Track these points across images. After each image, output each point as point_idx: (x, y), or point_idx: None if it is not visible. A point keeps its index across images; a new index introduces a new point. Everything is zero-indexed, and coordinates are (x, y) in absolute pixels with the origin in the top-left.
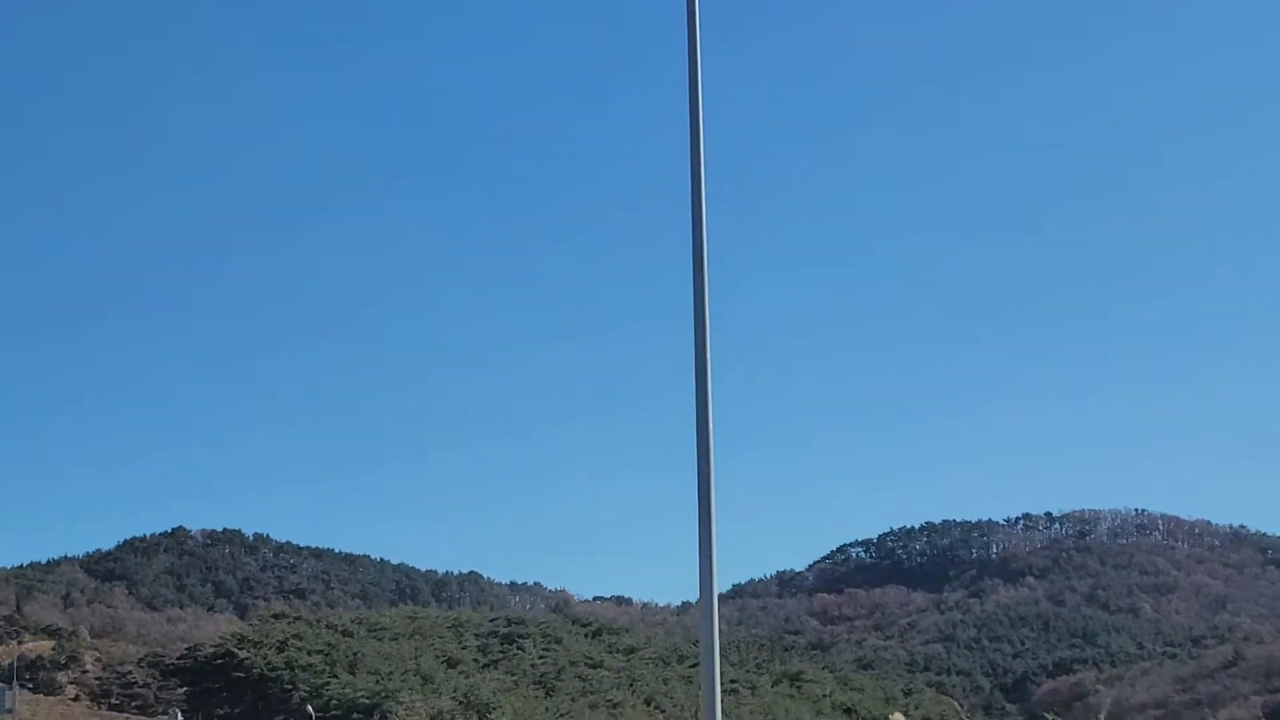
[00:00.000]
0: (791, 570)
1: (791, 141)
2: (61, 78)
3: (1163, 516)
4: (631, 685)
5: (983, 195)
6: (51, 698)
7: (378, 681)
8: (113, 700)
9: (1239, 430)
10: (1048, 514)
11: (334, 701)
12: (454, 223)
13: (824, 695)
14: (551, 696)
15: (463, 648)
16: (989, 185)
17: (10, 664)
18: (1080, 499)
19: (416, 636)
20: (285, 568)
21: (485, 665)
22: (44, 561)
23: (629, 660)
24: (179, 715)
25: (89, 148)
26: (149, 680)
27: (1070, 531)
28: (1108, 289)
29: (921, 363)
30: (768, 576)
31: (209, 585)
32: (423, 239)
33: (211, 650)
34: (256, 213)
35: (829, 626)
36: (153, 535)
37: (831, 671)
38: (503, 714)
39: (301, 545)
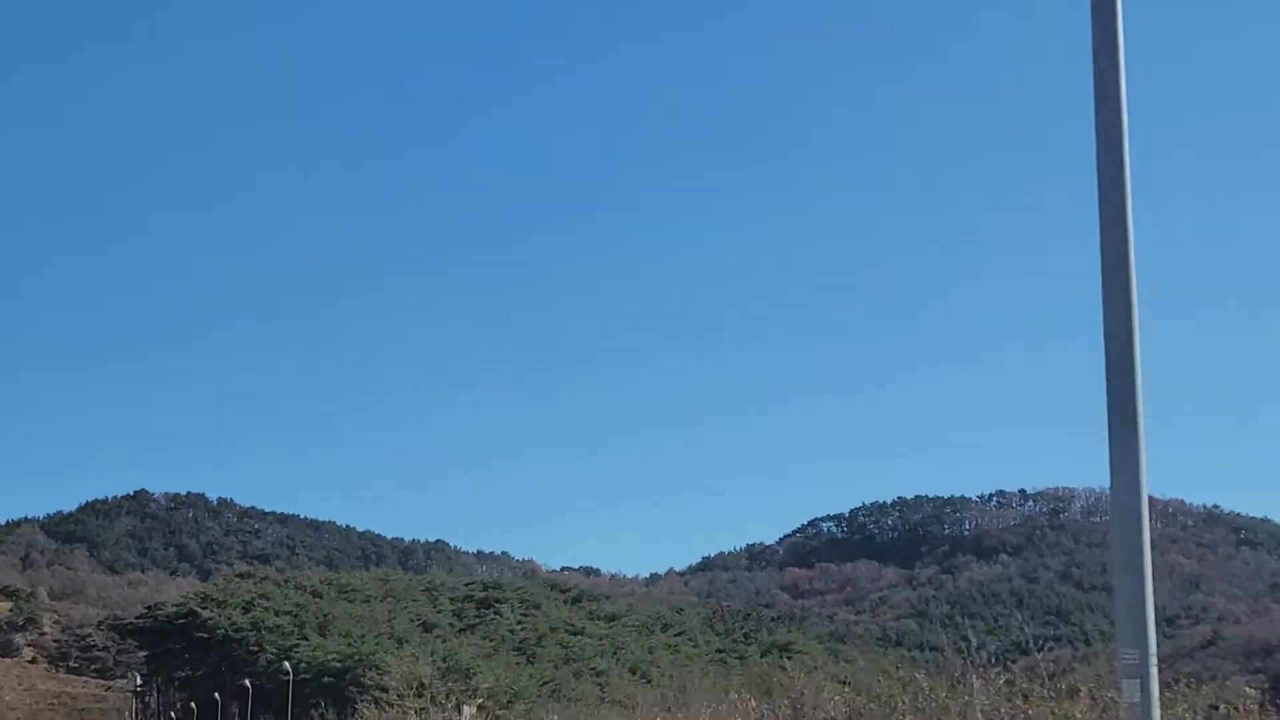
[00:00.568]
0: (762, 543)
1: None
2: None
3: None
4: (616, 653)
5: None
6: (8, 659)
7: (350, 644)
8: (71, 663)
9: (1214, 410)
10: (1021, 491)
11: (303, 664)
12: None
13: (816, 666)
14: (533, 664)
15: (438, 612)
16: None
17: None
18: (1054, 476)
19: (389, 599)
20: (249, 533)
21: (461, 630)
22: (3, 522)
23: (611, 628)
24: (137, 679)
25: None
26: (108, 644)
27: (1044, 509)
28: (1082, 259)
29: (894, 336)
30: (737, 549)
31: (171, 549)
32: (396, 209)
33: (173, 610)
34: (221, 173)
35: (800, 600)
36: (114, 498)
37: (821, 642)
38: (484, 681)
39: (266, 510)
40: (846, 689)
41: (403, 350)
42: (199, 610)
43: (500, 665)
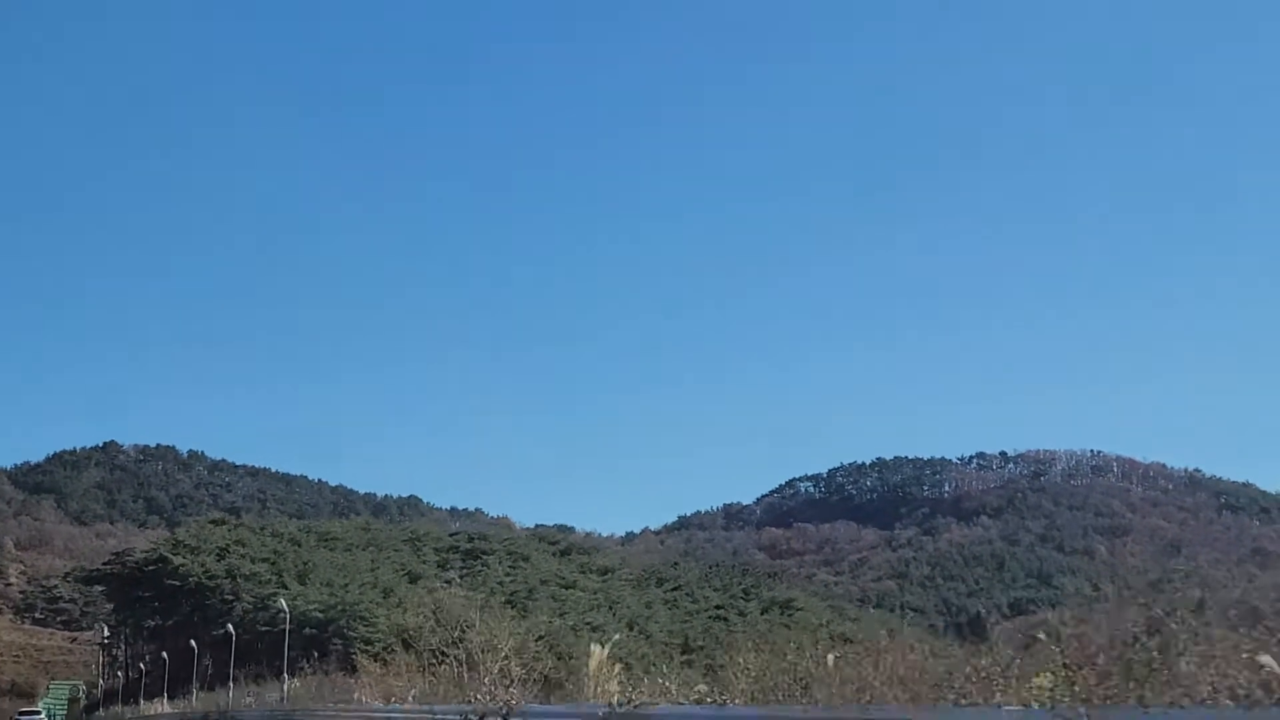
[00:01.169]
0: (739, 503)
1: None
2: None
3: (1118, 458)
4: (612, 608)
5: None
6: None
7: (333, 594)
8: (37, 615)
9: (1196, 373)
10: (1002, 453)
11: (281, 615)
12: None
13: (820, 624)
14: (526, 618)
15: (422, 562)
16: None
17: None
18: (1034, 439)
19: (371, 549)
20: (220, 485)
21: (448, 582)
22: None
23: (605, 581)
24: (105, 630)
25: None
26: (75, 595)
27: (1025, 471)
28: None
29: (876, 296)
30: (714, 509)
31: (140, 501)
32: (377, 154)
33: (143, 556)
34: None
35: (777, 560)
36: (83, 449)
37: (821, 599)
38: (478, 634)
39: (237, 464)
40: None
41: (379, 303)
42: (170, 557)
43: (494, 618)
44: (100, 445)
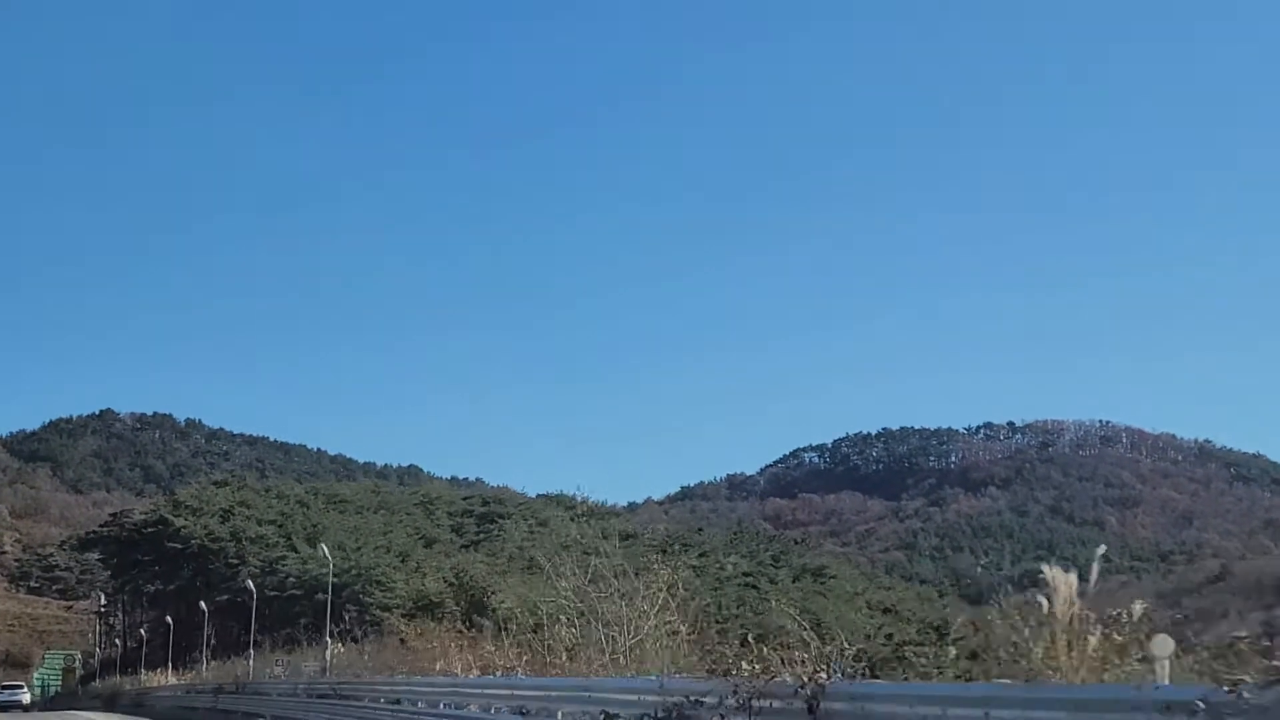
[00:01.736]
0: (742, 473)
1: None
2: None
3: (1127, 429)
4: (640, 576)
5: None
6: None
7: (345, 557)
8: (32, 583)
9: (1205, 343)
10: (1010, 423)
11: (291, 579)
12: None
13: (856, 592)
14: (552, 584)
15: (436, 526)
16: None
17: None
18: (1042, 409)
19: (383, 511)
20: (218, 454)
21: (464, 546)
22: None
23: (630, 547)
24: (101, 599)
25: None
26: (71, 564)
27: (1033, 442)
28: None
29: (881, 263)
30: (717, 479)
31: (137, 470)
32: (372, 120)
33: (142, 518)
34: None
35: (782, 531)
36: (79, 416)
37: (854, 567)
38: (503, 600)
39: (235, 432)
40: (889, 616)
41: (378, 270)
42: (171, 518)
43: (520, 584)
44: (96, 413)
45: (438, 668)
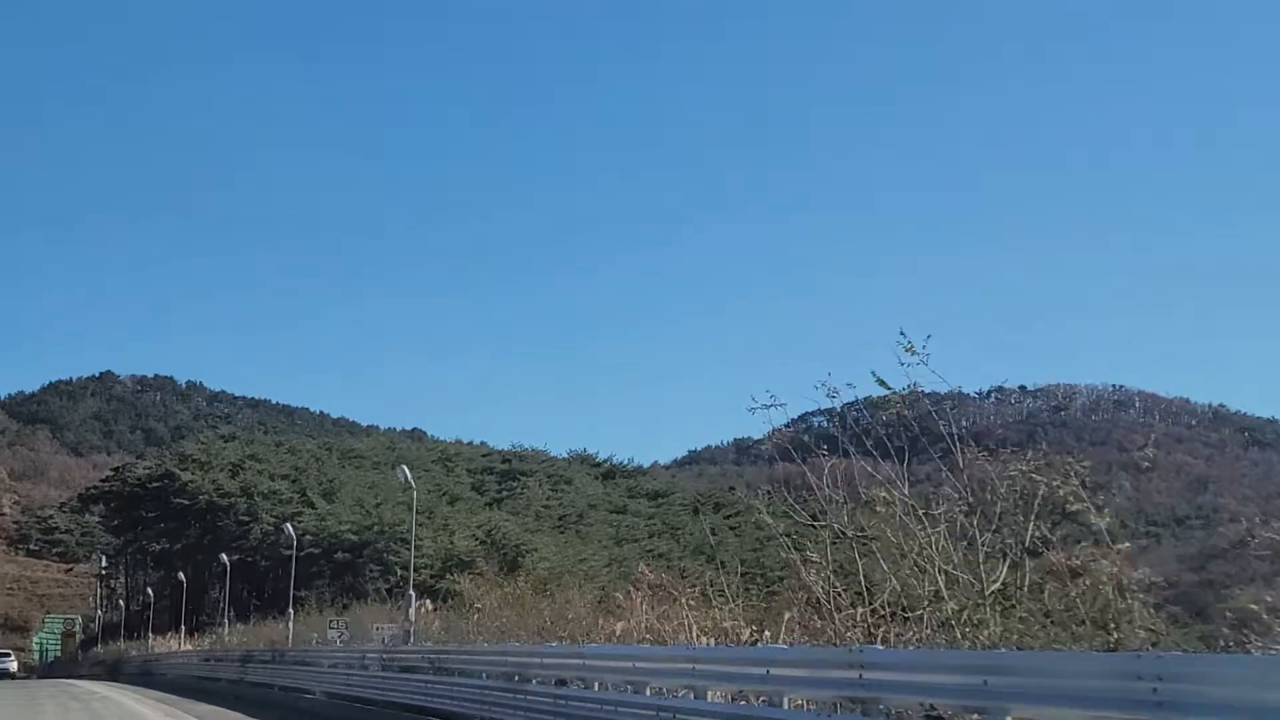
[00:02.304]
0: (749, 438)
1: None
2: None
3: (1140, 393)
4: (674, 534)
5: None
6: None
7: (365, 514)
8: (32, 545)
9: (1219, 306)
10: (1021, 387)
11: (309, 536)
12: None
13: (903, 554)
14: (584, 543)
15: (458, 483)
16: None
17: None
18: (1054, 373)
19: (401, 466)
20: (219, 417)
21: (487, 504)
22: None
23: (659, 506)
24: (103, 561)
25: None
26: (71, 526)
27: (1045, 406)
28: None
29: (891, 222)
30: (725, 444)
31: (138, 432)
32: (377, 81)
33: (145, 472)
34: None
35: (792, 495)
36: (79, 378)
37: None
38: (538, 557)
39: (236, 395)
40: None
41: (381, 231)
42: (177, 472)
43: (553, 541)
44: (97, 375)
45: (617, 630)
